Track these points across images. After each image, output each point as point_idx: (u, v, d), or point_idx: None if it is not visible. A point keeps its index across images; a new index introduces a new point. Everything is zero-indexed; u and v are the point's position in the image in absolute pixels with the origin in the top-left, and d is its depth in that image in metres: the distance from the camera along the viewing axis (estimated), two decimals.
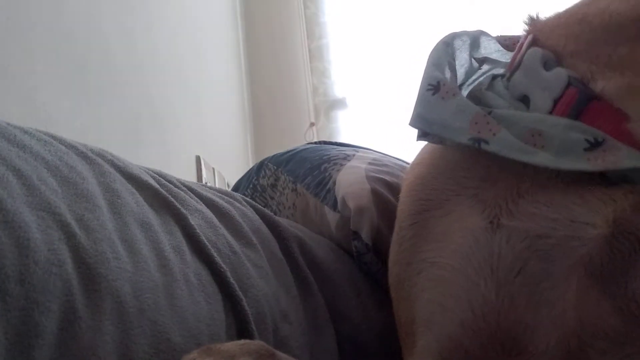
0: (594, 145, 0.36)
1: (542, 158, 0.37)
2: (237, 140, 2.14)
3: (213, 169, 1.69)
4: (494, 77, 0.44)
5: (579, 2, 0.43)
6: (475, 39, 0.49)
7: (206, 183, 1.59)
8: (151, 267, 0.36)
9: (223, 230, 0.46)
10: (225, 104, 2.06)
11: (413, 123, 0.44)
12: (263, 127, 2.32)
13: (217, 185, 1.69)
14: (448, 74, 0.45)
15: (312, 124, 2.30)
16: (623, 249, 0.34)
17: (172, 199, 0.43)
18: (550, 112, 0.39)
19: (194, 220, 0.43)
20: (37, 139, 0.36)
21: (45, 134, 0.38)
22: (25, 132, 0.36)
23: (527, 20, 0.46)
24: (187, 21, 1.72)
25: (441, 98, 0.42)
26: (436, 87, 0.43)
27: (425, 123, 0.43)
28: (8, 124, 0.36)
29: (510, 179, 0.38)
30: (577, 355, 0.33)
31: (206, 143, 1.70)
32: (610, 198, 0.35)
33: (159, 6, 1.51)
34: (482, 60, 0.47)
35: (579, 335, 0.33)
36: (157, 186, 0.43)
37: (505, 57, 0.46)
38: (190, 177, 1.53)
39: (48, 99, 0.99)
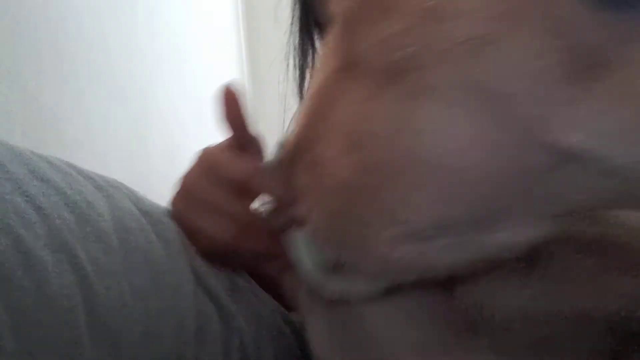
0: None
1: None
2: None
3: None
4: None
5: None
6: None
7: None
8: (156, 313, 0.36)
9: None
10: None
11: None
12: (264, 127, 2.31)
13: None
14: None
15: None
16: None
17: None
18: None
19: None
20: (58, 171, 0.36)
21: (65, 163, 0.38)
22: (48, 161, 0.37)
23: None
24: (189, 22, 1.72)
25: None
26: None
27: None
28: (32, 152, 0.36)
29: None
30: None
31: (209, 143, 1.69)
32: None
33: (162, 8, 1.51)
34: None
35: None
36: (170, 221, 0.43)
37: None
38: None
39: (53, 99, 0.98)
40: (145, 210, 0.42)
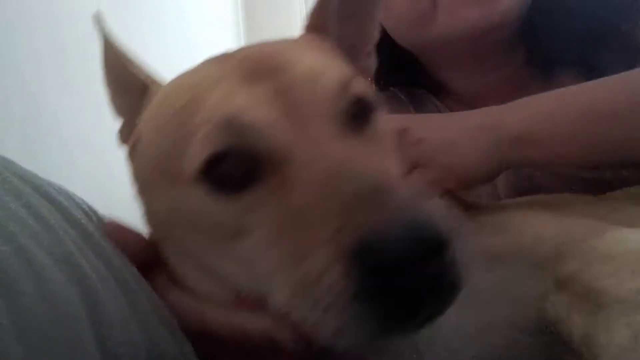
0: None
1: None
2: None
3: None
4: None
5: None
6: None
7: None
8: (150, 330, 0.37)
9: None
10: None
11: None
12: None
13: None
14: None
15: None
16: None
17: None
18: None
19: None
20: (62, 194, 0.37)
21: (62, 189, 0.39)
22: (49, 184, 0.37)
23: None
24: (189, 22, 1.71)
25: None
26: None
27: None
28: (35, 175, 0.37)
29: None
30: None
31: None
32: None
33: (163, 8, 1.50)
34: None
35: None
36: None
37: None
38: None
39: (52, 99, 0.98)
40: None
